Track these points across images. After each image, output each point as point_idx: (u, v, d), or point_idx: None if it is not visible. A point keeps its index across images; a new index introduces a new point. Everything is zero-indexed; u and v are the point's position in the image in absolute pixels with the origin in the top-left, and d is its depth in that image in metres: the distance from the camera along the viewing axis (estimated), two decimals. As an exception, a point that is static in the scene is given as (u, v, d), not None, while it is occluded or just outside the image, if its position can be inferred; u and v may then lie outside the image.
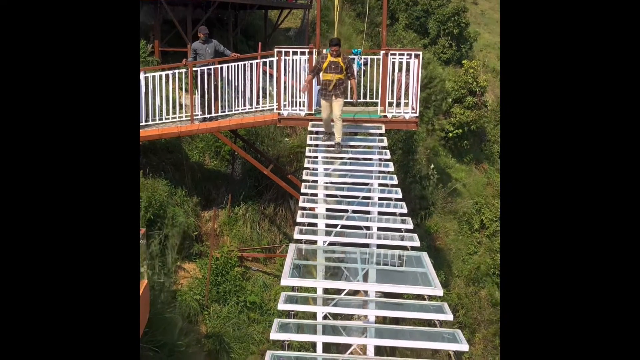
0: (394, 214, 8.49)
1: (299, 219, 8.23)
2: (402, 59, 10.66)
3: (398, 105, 10.76)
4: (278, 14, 19.88)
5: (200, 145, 13.24)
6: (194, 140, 13.18)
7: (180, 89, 12.30)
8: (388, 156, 9.75)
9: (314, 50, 10.79)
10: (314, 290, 8.12)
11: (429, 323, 6.31)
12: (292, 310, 6.47)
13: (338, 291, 7.39)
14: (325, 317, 7.00)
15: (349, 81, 10.01)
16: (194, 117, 11.38)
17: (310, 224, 8.26)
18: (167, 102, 11.53)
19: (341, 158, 9.79)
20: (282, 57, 10.80)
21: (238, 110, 11.58)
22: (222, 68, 11.37)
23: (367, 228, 8.19)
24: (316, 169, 9.59)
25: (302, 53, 10.81)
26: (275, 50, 10.92)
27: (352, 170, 9.68)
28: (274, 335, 5.64)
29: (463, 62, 20.74)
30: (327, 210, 8.87)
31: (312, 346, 8.92)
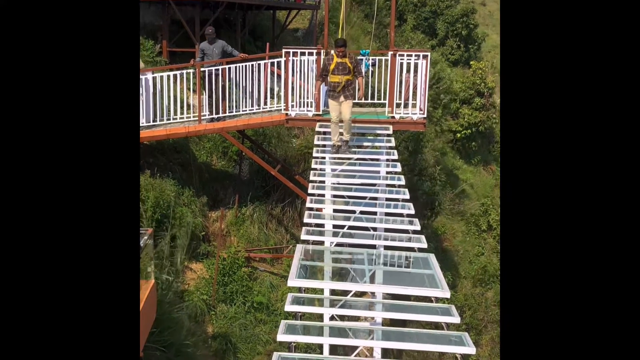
0: (401, 214, 8.45)
1: (306, 220, 8.21)
2: (410, 59, 10.63)
3: (406, 106, 10.73)
4: (286, 15, 19.87)
5: (207, 145, 13.26)
6: (201, 141, 13.20)
7: (188, 89, 12.32)
8: (396, 156, 9.70)
9: (322, 50, 10.78)
10: (321, 291, 8.12)
11: (436, 325, 6.28)
12: (299, 312, 6.46)
13: (345, 292, 7.35)
14: (332, 319, 6.98)
15: (357, 80, 9.89)
16: (202, 118, 11.39)
17: (317, 225, 8.24)
18: (175, 102, 11.56)
19: (348, 159, 9.76)
20: (290, 58, 10.80)
21: (246, 110, 11.59)
22: (229, 68, 11.38)
23: (374, 229, 8.17)
24: (323, 170, 9.56)
25: (310, 54, 10.80)
26: (283, 50, 10.91)
27: (360, 170, 9.64)
28: (281, 337, 5.63)
29: (471, 63, 20.70)
30: (335, 211, 8.85)
31: (319, 347, 8.91)
